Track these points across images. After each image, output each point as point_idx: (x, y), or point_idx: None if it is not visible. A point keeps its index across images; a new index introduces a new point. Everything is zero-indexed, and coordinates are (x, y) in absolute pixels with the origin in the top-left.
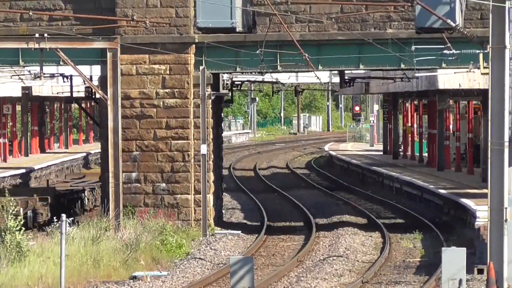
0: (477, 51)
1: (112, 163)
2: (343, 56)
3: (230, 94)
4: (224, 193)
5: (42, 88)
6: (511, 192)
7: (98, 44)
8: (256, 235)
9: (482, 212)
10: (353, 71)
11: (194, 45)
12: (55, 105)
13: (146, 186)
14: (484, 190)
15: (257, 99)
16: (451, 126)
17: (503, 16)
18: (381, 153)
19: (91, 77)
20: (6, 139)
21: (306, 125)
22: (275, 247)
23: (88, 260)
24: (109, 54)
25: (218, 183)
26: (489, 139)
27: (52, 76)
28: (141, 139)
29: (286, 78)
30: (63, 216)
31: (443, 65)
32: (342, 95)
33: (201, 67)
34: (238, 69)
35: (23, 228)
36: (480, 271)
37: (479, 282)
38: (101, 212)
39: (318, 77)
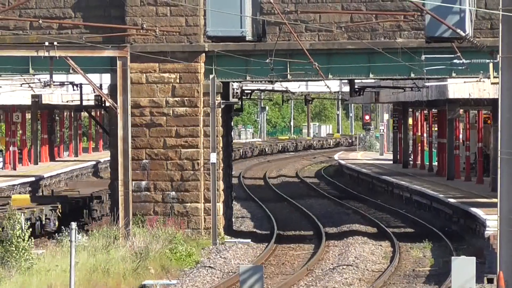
0: (487, 60)
1: (122, 172)
2: (353, 65)
3: (240, 102)
4: (234, 202)
5: (52, 96)
6: None
7: (108, 53)
8: (266, 243)
9: (491, 222)
10: (363, 80)
11: (204, 54)
12: (65, 113)
13: (156, 195)
14: (494, 200)
15: (267, 108)
16: (460, 136)
17: None
18: (391, 162)
19: (100, 85)
20: (16, 147)
21: (316, 134)
22: (285, 256)
23: (98, 269)
24: (119, 63)
25: (228, 191)
26: (499, 148)
27: (62, 84)
28: (150, 147)
29: (296, 87)
30: (73, 224)
31: (453, 74)
32: (352, 104)
33: (211, 76)
34: (248, 78)
35: (32, 238)
36: (490, 281)
37: None
38: (111, 220)
39: (328, 86)
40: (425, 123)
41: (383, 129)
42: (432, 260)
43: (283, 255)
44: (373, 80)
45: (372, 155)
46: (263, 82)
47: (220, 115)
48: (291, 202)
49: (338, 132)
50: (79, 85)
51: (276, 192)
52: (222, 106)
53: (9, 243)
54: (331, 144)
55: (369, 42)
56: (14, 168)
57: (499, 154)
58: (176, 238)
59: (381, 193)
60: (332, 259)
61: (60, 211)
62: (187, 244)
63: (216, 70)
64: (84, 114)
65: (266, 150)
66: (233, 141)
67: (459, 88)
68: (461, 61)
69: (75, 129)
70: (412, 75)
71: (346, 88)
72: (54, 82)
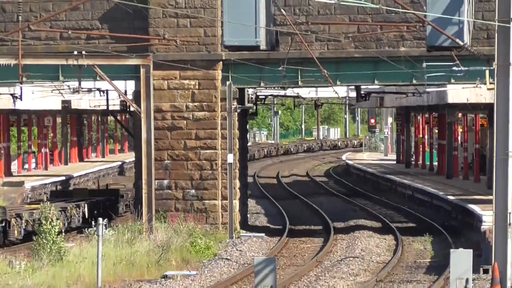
0: (484, 68)
1: (145, 171)
2: (360, 72)
3: (254, 107)
4: (249, 199)
5: (80, 102)
6: None
7: (132, 61)
8: (279, 237)
9: (487, 217)
10: (369, 87)
11: (221, 62)
12: (93, 118)
13: (177, 193)
14: (490, 197)
15: (279, 112)
16: (459, 138)
17: (508, 35)
18: (395, 162)
19: (125, 91)
20: (47, 149)
21: (325, 137)
22: (296, 249)
23: (123, 261)
24: (142, 70)
25: (244, 189)
26: (495, 149)
27: (89, 90)
28: (172, 149)
29: (307, 92)
30: (100, 219)
31: (452, 81)
32: (359, 109)
33: (227, 83)
34: (262, 84)
35: (62, 231)
36: (486, 271)
37: (484, 282)
38: (135, 216)
39: (336, 92)
40: (426, 126)
41: (387, 132)
42: (433, 252)
43: (294, 248)
44: (378, 86)
45: (377, 156)
46: (276, 88)
47: (236, 119)
48: (302, 199)
49: (345, 136)
50: (105, 91)
51: (288, 190)
52: (238, 110)
53: (42, 236)
54: (356, 144)
55: (374, 51)
56: (46, 168)
57: (495, 155)
58: (195, 232)
59: (385, 191)
60: (340, 251)
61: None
62: (206, 238)
63: (233, 77)
64: (110, 118)
65: (292, 150)
66: (261, 141)
67: (457, 93)
68: (459, 69)
69: (102, 132)
70: (414, 82)
71: (353, 94)
72: (82, 88)
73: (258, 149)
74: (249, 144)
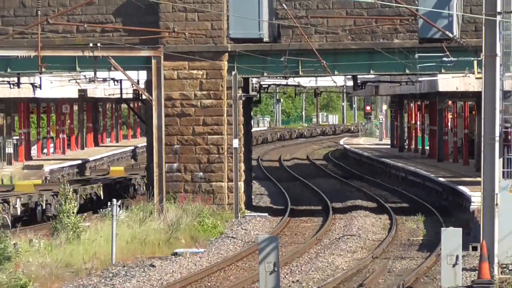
0: (472, 58)
1: (157, 155)
2: (356, 63)
3: (258, 95)
4: (253, 181)
5: (96, 91)
6: (501, 180)
7: (144, 53)
8: (281, 217)
9: (476, 198)
10: (365, 76)
11: (227, 53)
12: (107, 105)
13: (186, 175)
14: (478, 179)
15: (281, 100)
16: (449, 123)
17: (494, 28)
18: (389, 146)
19: (138, 81)
20: (65, 135)
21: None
22: (297, 228)
23: (136, 239)
24: (153, 61)
25: (248, 172)
26: (482, 134)
27: (104, 80)
28: (181, 134)
29: (307, 82)
30: (114, 200)
31: (443, 70)
32: (355, 97)
33: (233, 72)
34: (265, 74)
35: (77, 211)
36: (475, 248)
37: (473, 258)
38: (147, 197)
39: (334, 81)
40: (418, 112)
41: (382, 118)
42: (425, 231)
43: (295, 227)
44: (373, 76)
45: (372, 141)
46: (279, 77)
47: (241, 106)
48: (302, 181)
49: (343, 122)
50: (119, 81)
51: (289, 173)
52: (243, 98)
53: (62, 216)
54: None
55: (369, 43)
56: (64, 153)
57: (482, 140)
58: (203, 212)
59: (380, 173)
60: (338, 230)
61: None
62: (213, 217)
63: (238, 67)
64: (124, 105)
65: (305, 134)
66: (276, 126)
67: (447, 82)
68: (449, 59)
69: (116, 118)
70: (407, 71)
71: (350, 83)
72: (97, 78)
73: (271, 133)
74: (264, 128)
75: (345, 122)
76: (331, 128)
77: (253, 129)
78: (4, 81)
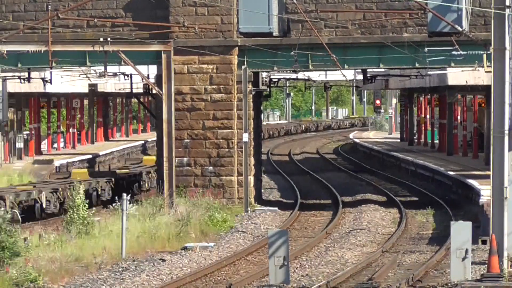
0: (481, 52)
1: (167, 150)
2: (366, 56)
3: (268, 90)
4: (263, 175)
5: (106, 85)
6: (510, 173)
7: (154, 47)
8: (291, 211)
9: (485, 191)
10: (374, 70)
11: (237, 48)
12: (117, 100)
13: (196, 169)
14: (487, 172)
15: (291, 94)
16: (458, 117)
17: (504, 21)
18: (398, 140)
19: (148, 75)
20: (75, 129)
21: (334, 117)
22: (307, 222)
23: (146, 234)
24: (163, 56)
25: (258, 166)
26: (492, 128)
27: (114, 74)
28: (191, 128)
29: (317, 76)
30: (124, 195)
31: (452, 64)
32: (365, 90)
33: (243, 67)
34: (275, 68)
35: (87, 206)
36: (484, 242)
37: (482, 252)
38: (157, 192)
39: (344, 75)
40: (428, 106)
41: (391, 112)
42: (434, 224)
43: (305, 220)
44: (383, 70)
45: (382, 135)
46: (288, 71)
47: (251, 100)
48: (312, 175)
49: (353, 114)
50: (129, 75)
51: (299, 167)
52: (253, 92)
53: (73, 211)
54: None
55: (379, 36)
56: (74, 147)
57: (492, 133)
58: (213, 206)
59: (390, 167)
60: (347, 224)
61: None
62: (223, 211)
63: (248, 61)
64: (134, 100)
65: (333, 126)
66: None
67: (457, 76)
68: (459, 53)
69: (126, 113)
70: (417, 65)
71: (360, 77)
72: (108, 72)
73: (295, 125)
74: (290, 121)
75: (354, 114)
76: (360, 120)
77: (275, 122)
78: (14, 76)
